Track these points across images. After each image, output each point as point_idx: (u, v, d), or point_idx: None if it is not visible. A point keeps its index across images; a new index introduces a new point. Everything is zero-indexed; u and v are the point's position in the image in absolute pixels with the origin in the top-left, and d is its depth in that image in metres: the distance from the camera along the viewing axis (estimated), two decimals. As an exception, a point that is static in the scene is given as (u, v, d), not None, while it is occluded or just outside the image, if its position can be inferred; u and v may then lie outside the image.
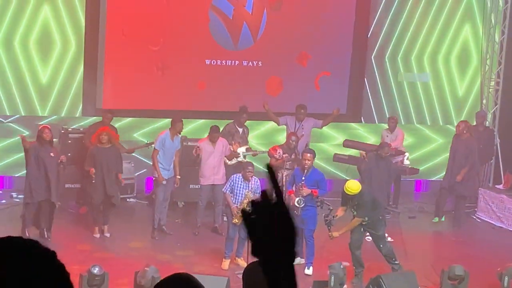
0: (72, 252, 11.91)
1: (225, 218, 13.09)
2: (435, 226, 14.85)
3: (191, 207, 14.25)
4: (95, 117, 14.84)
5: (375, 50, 16.53)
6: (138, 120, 15.62)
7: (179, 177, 13.41)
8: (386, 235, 11.93)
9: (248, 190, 11.86)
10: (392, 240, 12.67)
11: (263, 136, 15.96)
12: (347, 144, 15.49)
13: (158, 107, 15.41)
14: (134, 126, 15.56)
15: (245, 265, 9.14)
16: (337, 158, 15.49)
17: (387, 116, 16.12)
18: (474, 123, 15.68)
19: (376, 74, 16.59)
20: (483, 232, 14.76)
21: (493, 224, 15.03)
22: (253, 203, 2.01)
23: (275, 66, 15.93)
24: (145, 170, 15.26)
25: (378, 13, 16.39)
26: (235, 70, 15.80)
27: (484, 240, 14.25)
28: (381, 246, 11.52)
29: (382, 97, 16.68)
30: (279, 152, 13.40)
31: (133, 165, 15.02)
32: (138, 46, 15.22)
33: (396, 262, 11.51)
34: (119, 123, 14.69)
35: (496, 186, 15.88)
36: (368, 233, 11.77)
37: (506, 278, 10.82)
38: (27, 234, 12.39)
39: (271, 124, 15.60)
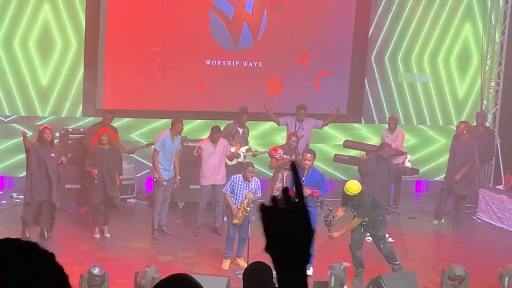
0: (73, 252, 11.92)
1: (225, 219, 13.08)
2: (435, 227, 14.85)
3: (191, 207, 14.25)
4: (95, 118, 14.82)
5: (375, 50, 16.52)
6: (135, 121, 15.61)
7: (179, 177, 13.40)
8: (387, 235, 11.93)
9: (248, 191, 11.86)
10: (393, 240, 12.67)
11: (260, 136, 15.95)
12: (347, 144, 15.47)
13: (158, 108, 15.41)
14: (131, 127, 15.55)
15: (245, 265, 9.14)
16: (337, 159, 15.47)
17: (387, 116, 16.12)
18: (475, 124, 15.68)
19: (376, 74, 16.58)
20: (483, 232, 14.76)
21: (493, 224, 15.03)
22: (273, 199, 1.98)
23: (275, 67, 15.92)
24: (145, 172, 15.24)
25: (378, 13, 16.39)
26: (235, 71, 15.80)
27: (484, 240, 14.24)
28: (382, 246, 11.52)
29: (382, 98, 16.67)
30: (279, 153, 13.40)
31: (133, 165, 15.02)
32: (138, 46, 15.22)
33: (396, 262, 11.51)
34: (116, 123, 14.67)
35: (497, 186, 15.88)
36: (368, 234, 11.77)
37: (507, 279, 10.82)
38: (27, 235, 12.42)
39: (268, 124, 15.60)
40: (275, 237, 1.96)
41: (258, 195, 12.05)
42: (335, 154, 15.55)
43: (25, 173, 12.83)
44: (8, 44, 14.89)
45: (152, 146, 13.59)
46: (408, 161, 15.12)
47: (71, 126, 14.89)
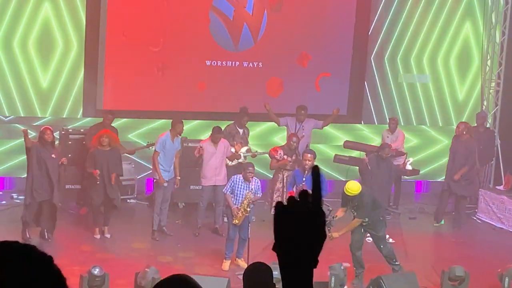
0: (73, 253, 11.93)
1: (225, 219, 13.08)
2: (435, 227, 14.85)
3: (191, 208, 14.26)
4: (95, 118, 14.82)
5: (375, 51, 16.52)
6: (133, 121, 15.60)
7: (179, 178, 13.40)
8: (387, 236, 11.93)
9: (248, 191, 11.86)
10: (393, 241, 12.67)
11: (259, 137, 15.94)
12: (347, 145, 15.46)
13: (159, 108, 15.41)
14: (129, 127, 15.53)
15: (245, 266, 9.15)
16: (337, 159, 15.46)
17: (387, 117, 16.12)
18: (475, 124, 15.68)
19: (376, 75, 16.58)
20: (483, 233, 14.75)
21: (493, 225, 15.03)
22: (290, 199, 1.97)
23: (276, 67, 15.93)
24: (146, 174, 15.24)
25: (378, 13, 16.38)
26: (235, 71, 15.80)
27: (484, 241, 14.24)
28: (382, 247, 11.52)
29: (382, 98, 16.67)
30: (280, 153, 13.41)
31: (133, 166, 15.02)
32: (139, 47, 15.22)
33: (396, 263, 11.51)
34: (115, 123, 14.65)
35: (497, 187, 15.88)
36: (368, 234, 11.77)
37: (507, 279, 10.82)
38: (27, 235, 12.42)
39: (267, 125, 15.60)
40: (285, 237, 1.95)
41: (258, 195, 12.06)
42: (335, 155, 15.54)
43: (25, 174, 12.83)
44: (8, 44, 14.88)
45: (152, 146, 13.59)
46: (410, 164, 15.12)
47: (71, 127, 14.89)
